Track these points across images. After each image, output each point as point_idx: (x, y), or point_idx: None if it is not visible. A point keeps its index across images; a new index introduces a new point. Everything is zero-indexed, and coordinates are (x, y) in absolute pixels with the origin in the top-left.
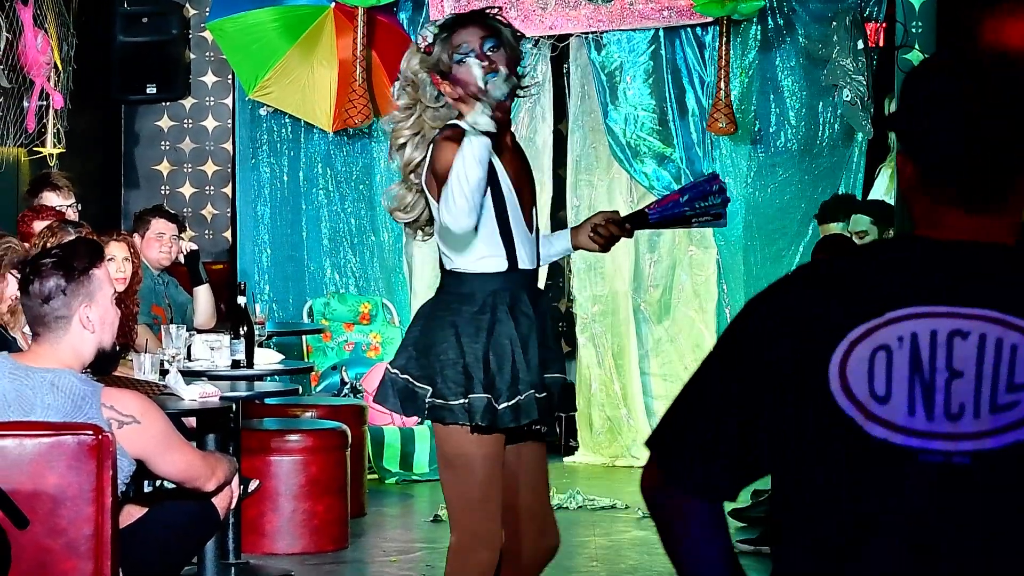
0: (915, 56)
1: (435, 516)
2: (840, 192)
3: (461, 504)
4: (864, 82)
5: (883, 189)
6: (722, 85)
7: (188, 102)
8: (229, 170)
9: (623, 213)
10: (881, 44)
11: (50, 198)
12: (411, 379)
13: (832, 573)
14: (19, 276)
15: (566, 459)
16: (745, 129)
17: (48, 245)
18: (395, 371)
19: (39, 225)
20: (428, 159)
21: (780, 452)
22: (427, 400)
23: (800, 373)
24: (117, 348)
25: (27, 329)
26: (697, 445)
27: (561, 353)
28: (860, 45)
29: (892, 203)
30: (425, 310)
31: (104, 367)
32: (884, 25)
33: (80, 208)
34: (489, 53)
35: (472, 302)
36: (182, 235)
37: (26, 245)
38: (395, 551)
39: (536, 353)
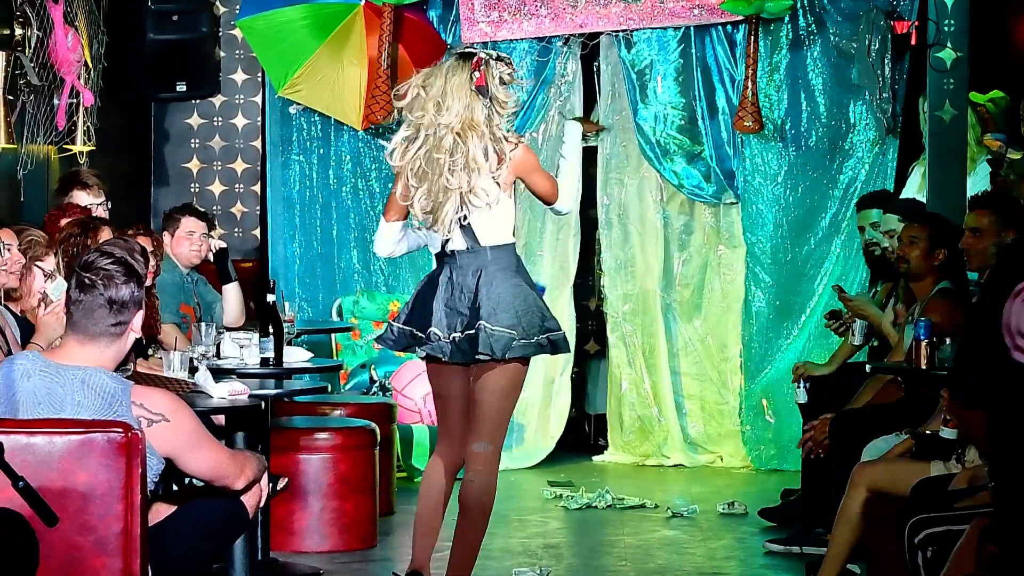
0: (947, 54)
1: None
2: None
3: (505, 421)
4: (885, 82)
5: (915, 187)
6: (749, 84)
7: (218, 100)
8: (259, 168)
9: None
10: (913, 43)
11: (80, 196)
12: (502, 327)
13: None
14: (76, 275)
15: (595, 458)
16: (775, 128)
17: (89, 243)
18: (504, 328)
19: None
20: (522, 162)
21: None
22: (514, 342)
23: (995, 321)
24: (144, 342)
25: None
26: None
27: None
28: (887, 43)
29: (924, 201)
30: (503, 274)
31: (125, 359)
32: (916, 23)
33: (110, 206)
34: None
35: (521, 264)
36: (212, 233)
37: (40, 239)
38: None
39: None
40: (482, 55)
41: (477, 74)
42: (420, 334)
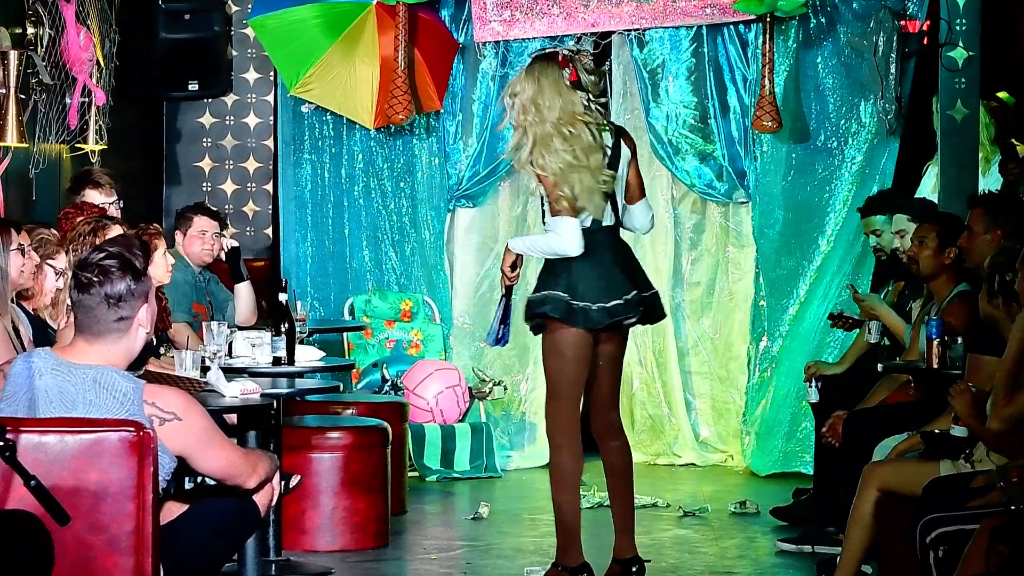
0: (959, 54)
1: (475, 514)
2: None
3: None
4: (892, 82)
5: (930, 187)
6: (766, 83)
7: (230, 99)
8: (271, 167)
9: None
10: (925, 42)
11: (92, 196)
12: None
13: None
14: (74, 275)
15: None
16: (786, 126)
17: (97, 241)
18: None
19: None
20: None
21: None
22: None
23: None
24: (155, 342)
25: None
26: None
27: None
28: (893, 44)
29: (935, 201)
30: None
31: (141, 361)
32: (928, 23)
33: (122, 205)
34: None
35: None
36: (224, 232)
37: (51, 237)
38: (435, 549)
39: None
40: (565, 51)
41: (568, 71)
42: (576, 303)
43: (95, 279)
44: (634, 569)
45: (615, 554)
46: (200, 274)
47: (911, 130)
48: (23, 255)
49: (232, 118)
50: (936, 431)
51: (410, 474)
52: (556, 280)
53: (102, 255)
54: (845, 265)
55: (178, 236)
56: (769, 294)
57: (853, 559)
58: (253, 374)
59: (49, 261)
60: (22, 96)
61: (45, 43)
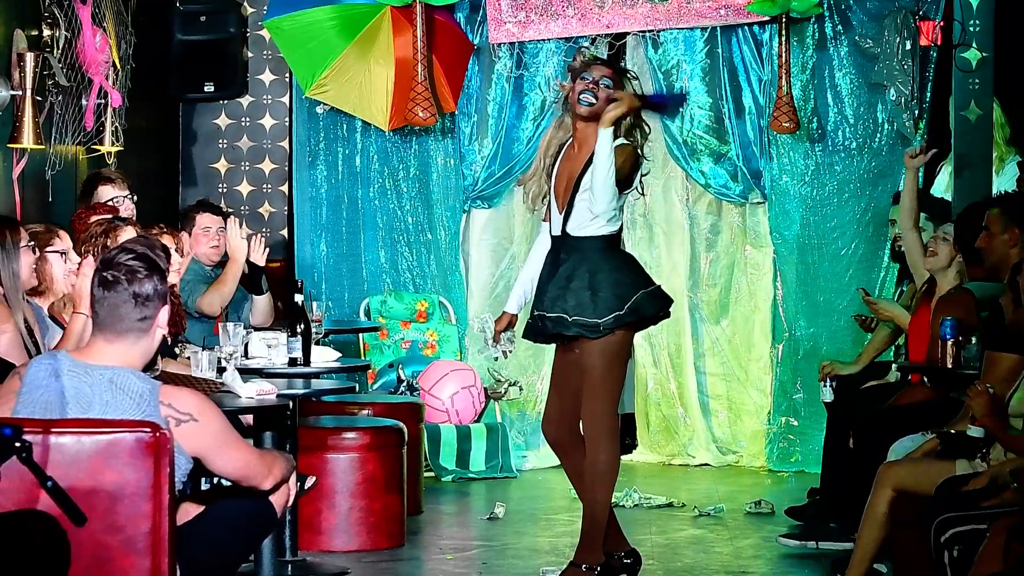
0: (972, 55)
1: (491, 514)
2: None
3: None
4: (909, 82)
5: (943, 186)
6: (783, 84)
7: (246, 100)
8: (286, 168)
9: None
10: (939, 43)
11: (105, 191)
12: None
13: None
14: (98, 274)
15: (623, 457)
16: (803, 127)
17: (109, 243)
18: None
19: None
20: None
21: None
22: None
23: None
24: (169, 341)
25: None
26: None
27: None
28: (908, 45)
29: (950, 200)
30: None
31: (154, 359)
32: (942, 24)
33: (135, 200)
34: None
35: None
36: (242, 230)
37: (38, 228)
38: (451, 549)
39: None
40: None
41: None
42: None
43: (123, 277)
44: (629, 561)
45: (619, 548)
46: (213, 271)
47: (938, 129)
48: (33, 252)
49: (248, 119)
50: (952, 431)
51: (426, 474)
52: (633, 275)
53: (129, 255)
54: (864, 265)
55: (184, 237)
56: (787, 295)
57: (866, 558)
58: (269, 375)
59: (48, 249)
60: (38, 98)
61: (61, 45)
